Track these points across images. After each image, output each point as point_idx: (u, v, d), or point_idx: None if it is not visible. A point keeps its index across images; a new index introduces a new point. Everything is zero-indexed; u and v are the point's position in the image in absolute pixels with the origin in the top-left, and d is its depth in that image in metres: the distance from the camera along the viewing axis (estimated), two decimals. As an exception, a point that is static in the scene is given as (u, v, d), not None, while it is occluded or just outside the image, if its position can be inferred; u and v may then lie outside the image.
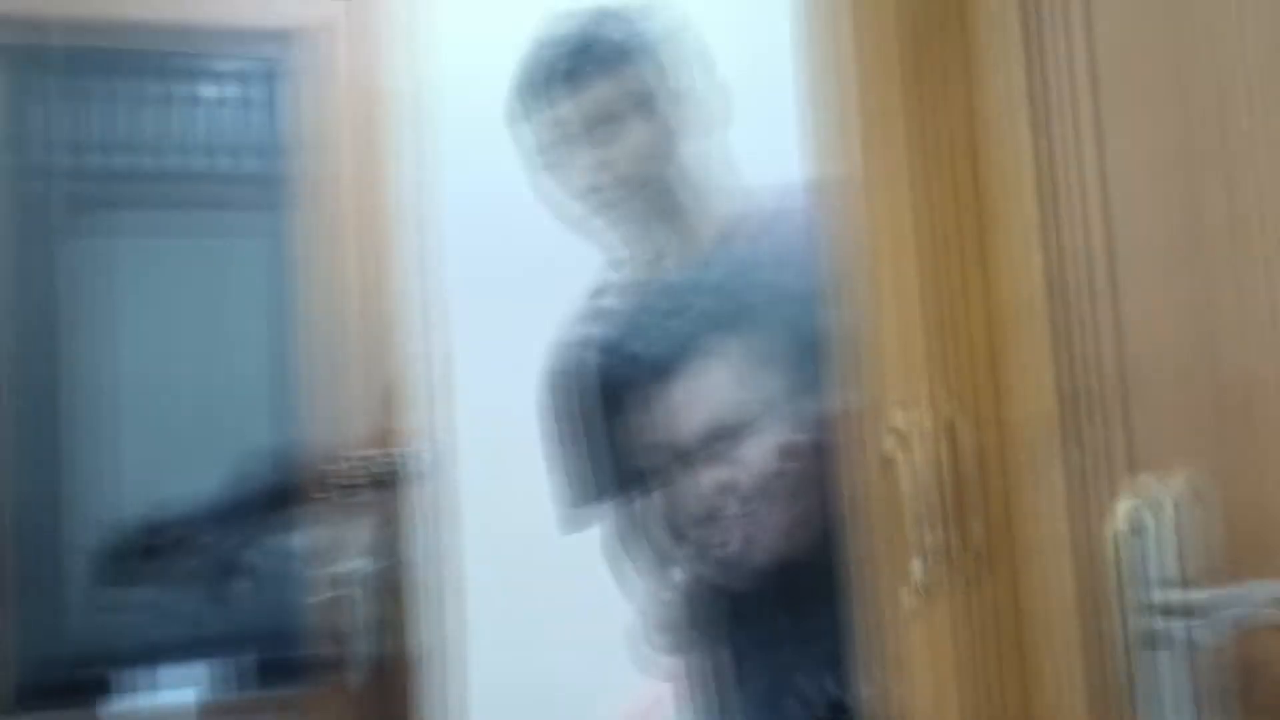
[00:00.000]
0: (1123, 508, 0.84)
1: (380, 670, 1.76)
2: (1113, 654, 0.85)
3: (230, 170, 2.00)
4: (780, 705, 1.69)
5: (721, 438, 1.69)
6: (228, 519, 1.85)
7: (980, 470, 1.02)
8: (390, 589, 1.77)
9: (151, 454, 1.86)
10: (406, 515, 1.78)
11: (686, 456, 1.71)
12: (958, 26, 1.07)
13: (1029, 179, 0.99)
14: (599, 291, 1.78)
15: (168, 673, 1.80)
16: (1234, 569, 0.81)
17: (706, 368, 1.71)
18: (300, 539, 1.83)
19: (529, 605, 1.71)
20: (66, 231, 1.88)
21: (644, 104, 1.75)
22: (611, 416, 1.74)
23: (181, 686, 1.79)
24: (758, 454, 1.68)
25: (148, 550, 1.84)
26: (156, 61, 1.98)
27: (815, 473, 1.64)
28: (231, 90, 1.99)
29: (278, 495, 1.84)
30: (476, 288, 1.77)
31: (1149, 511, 0.82)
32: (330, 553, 1.79)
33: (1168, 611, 0.81)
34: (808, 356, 1.60)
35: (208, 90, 1.99)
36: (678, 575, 1.73)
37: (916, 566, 1.01)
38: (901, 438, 1.03)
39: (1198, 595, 0.80)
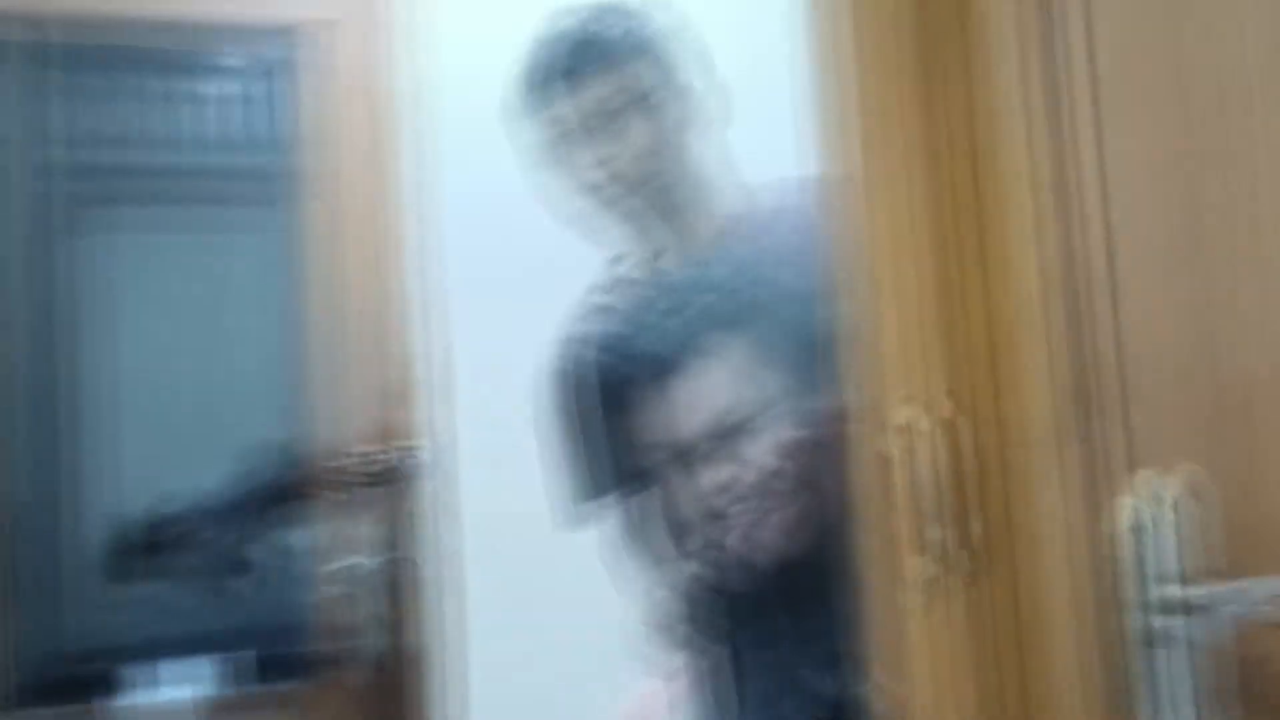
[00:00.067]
0: (1123, 506, 0.85)
1: (381, 666, 1.77)
2: (1113, 651, 0.85)
3: (231, 166, 2.00)
4: (780, 704, 1.69)
5: (721, 436, 1.69)
6: (229, 515, 1.85)
7: (980, 468, 1.02)
8: (391, 585, 1.78)
9: (153, 450, 1.86)
10: (407, 512, 1.78)
11: (686, 454, 1.71)
12: (958, 26, 1.07)
13: (1029, 179, 0.99)
14: (599, 289, 1.78)
15: (169, 669, 1.80)
16: (1233, 566, 0.81)
17: (706, 366, 1.71)
18: (301, 536, 1.83)
19: (529, 602, 1.72)
20: (68, 227, 1.88)
21: (644, 102, 1.75)
22: (611, 414, 1.75)
23: (183, 682, 1.80)
24: (758, 452, 1.68)
25: (149, 546, 1.84)
26: (158, 58, 1.98)
27: (815, 471, 1.64)
28: (232, 87, 1.99)
29: (279, 492, 1.85)
30: (476, 286, 1.78)
31: (1149, 510, 0.83)
32: (331, 549, 1.79)
33: (1168, 609, 0.81)
34: (807, 355, 1.61)
35: (209, 87, 1.99)
36: (678, 573, 1.73)
37: (917, 564, 1.02)
38: (902, 436, 1.03)
39: (1197, 592, 0.81)
